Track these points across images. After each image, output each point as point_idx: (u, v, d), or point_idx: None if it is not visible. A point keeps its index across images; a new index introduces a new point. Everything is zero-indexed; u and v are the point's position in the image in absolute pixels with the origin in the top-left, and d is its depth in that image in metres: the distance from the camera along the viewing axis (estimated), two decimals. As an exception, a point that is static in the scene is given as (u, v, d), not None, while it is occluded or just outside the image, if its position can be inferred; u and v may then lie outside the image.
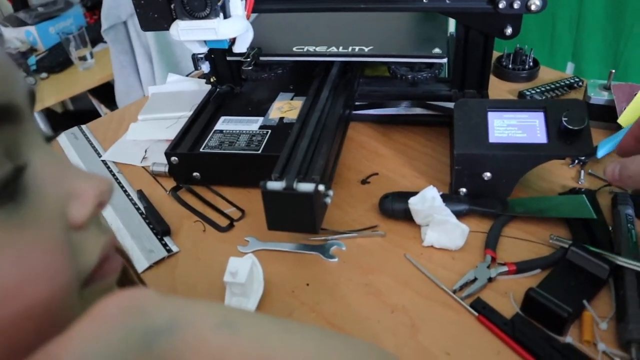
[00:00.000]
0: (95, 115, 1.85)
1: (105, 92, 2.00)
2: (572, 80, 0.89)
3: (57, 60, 1.99)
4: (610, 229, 0.62)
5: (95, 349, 0.24)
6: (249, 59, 0.75)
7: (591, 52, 1.56)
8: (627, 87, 0.79)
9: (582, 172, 0.70)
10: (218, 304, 0.30)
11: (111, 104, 1.94)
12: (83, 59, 1.97)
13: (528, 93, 0.87)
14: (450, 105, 0.76)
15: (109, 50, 1.72)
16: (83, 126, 0.96)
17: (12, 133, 0.26)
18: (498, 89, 0.90)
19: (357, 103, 0.81)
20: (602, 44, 1.53)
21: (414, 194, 0.64)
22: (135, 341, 0.25)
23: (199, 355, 0.26)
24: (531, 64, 0.92)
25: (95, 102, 2.11)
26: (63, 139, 0.92)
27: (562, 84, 0.89)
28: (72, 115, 2.54)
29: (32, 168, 0.27)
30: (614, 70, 0.79)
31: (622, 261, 0.55)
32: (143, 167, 0.82)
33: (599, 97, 0.79)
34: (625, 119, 0.74)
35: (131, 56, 1.68)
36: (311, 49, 0.75)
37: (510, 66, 0.92)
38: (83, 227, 0.28)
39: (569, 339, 0.51)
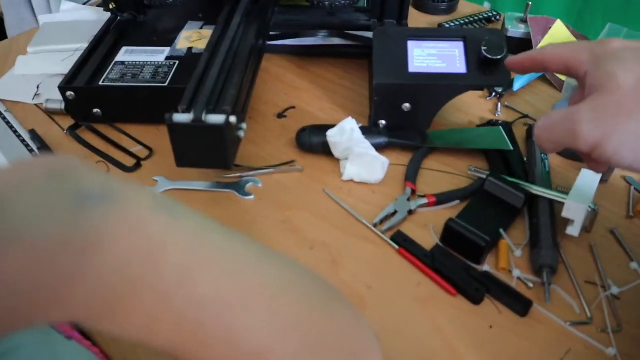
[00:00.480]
0: (-15, 52, 1.67)
1: (-5, 27, 1.80)
2: (490, 14, 0.89)
3: None
4: (526, 159, 0.62)
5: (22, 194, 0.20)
6: (151, -19, 0.68)
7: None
8: (543, 20, 0.79)
9: (499, 104, 0.70)
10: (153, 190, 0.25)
11: (2, 39, 1.75)
12: (-35, -12, 1.75)
13: (447, 25, 0.85)
14: (370, 35, 0.73)
15: (-6, -22, 1.53)
16: (-40, 60, 0.84)
17: None
18: (418, 21, 0.88)
19: (272, 33, 0.76)
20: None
21: (333, 127, 0.61)
22: (66, 198, 0.20)
23: (138, 235, 0.22)
24: (450, -4, 0.90)
25: (-16, 39, 1.90)
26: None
27: (481, 17, 0.88)
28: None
29: None
30: (530, 3, 0.79)
31: (536, 190, 0.56)
32: (35, 104, 0.74)
33: (516, 29, 0.79)
34: (540, 51, 0.74)
35: (21, -16, 1.50)
36: (221, -29, 0.69)
37: (430, -2, 0.90)
38: None
39: (486, 267, 0.51)
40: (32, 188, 0.20)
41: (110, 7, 0.77)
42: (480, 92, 0.72)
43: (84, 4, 0.96)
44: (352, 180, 0.60)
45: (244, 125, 0.55)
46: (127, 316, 0.23)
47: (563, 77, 0.73)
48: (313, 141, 0.61)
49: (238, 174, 0.61)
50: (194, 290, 0.24)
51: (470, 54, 0.62)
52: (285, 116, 0.69)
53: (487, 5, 1.57)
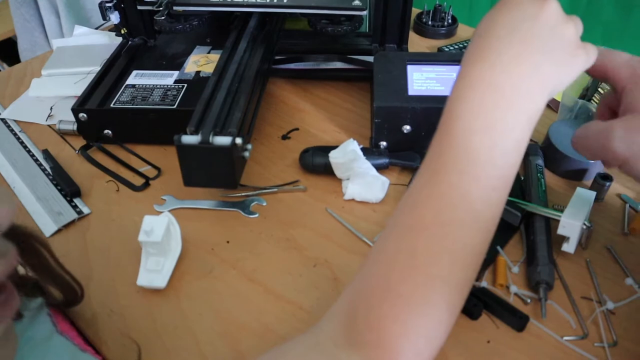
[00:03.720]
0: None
1: (8, 50, 1.84)
2: (488, 37, 0.91)
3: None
4: (522, 178, 0.64)
5: None
6: (161, 8, 0.71)
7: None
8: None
9: (497, 125, 0.72)
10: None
11: (15, 62, 1.79)
12: (-21, 12, 1.80)
13: (447, 49, 0.88)
14: (371, 59, 0.75)
15: (8, 3, 1.57)
16: (-22, 83, 0.88)
17: None
18: (417, 45, 0.91)
19: (276, 57, 0.79)
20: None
21: (335, 148, 0.63)
22: None
23: None
24: (450, 21, 0.93)
25: (-4, 61, 1.95)
26: (-45, 96, 0.84)
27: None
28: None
29: None
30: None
31: (532, 208, 0.57)
32: (49, 125, 0.76)
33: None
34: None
35: (34, 9, 1.54)
36: (228, -2, 0.72)
37: (429, 23, 0.92)
38: None
39: (484, 283, 0.53)
40: None
41: (122, 32, 0.80)
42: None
43: (96, 28, 1.00)
44: (353, 200, 0.62)
45: (249, 147, 0.57)
46: None
47: (558, 98, 0.75)
48: (316, 162, 0.63)
49: (243, 194, 0.63)
50: None
51: (468, 78, 0.64)
52: (289, 137, 0.71)
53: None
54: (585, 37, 0.41)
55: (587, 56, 0.41)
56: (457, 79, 0.39)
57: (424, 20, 0.93)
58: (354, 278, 0.40)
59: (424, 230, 0.37)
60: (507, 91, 0.36)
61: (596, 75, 0.44)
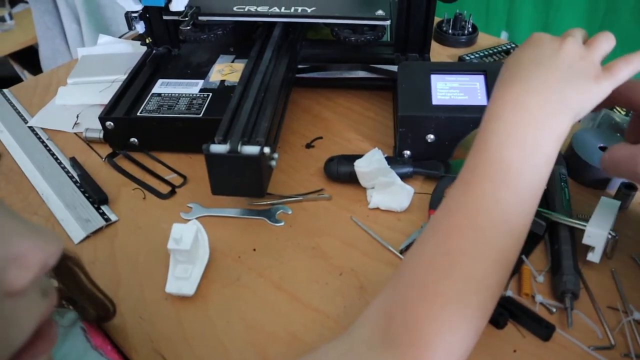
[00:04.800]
0: (18, 82, 1.74)
1: (29, 57, 1.87)
2: (509, 46, 0.92)
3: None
4: (546, 188, 0.64)
5: None
6: (186, 19, 0.72)
7: (523, 21, 1.60)
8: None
9: (519, 134, 0.72)
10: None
11: (36, 69, 1.82)
12: (1, 20, 1.83)
13: (467, 58, 0.88)
14: (394, 68, 0.76)
15: (30, 11, 1.60)
16: (5, 90, 0.89)
17: None
18: (438, 53, 0.91)
19: (300, 66, 0.80)
20: (533, 13, 1.57)
21: (359, 157, 0.64)
22: None
23: None
24: (470, 29, 0.93)
25: (17, 68, 1.98)
26: (-17, 105, 0.86)
27: (500, 49, 0.91)
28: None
29: None
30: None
31: (556, 217, 0.57)
32: (75, 133, 0.78)
33: (534, 61, 0.81)
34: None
35: (56, 17, 1.57)
36: (252, 8, 0.73)
37: (450, 31, 0.93)
38: (20, 294, 0.24)
39: (509, 292, 0.53)
40: None
41: (147, 41, 0.81)
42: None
43: (120, 37, 1.01)
44: (378, 208, 0.62)
45: (275, 156, 0.58)
46: None
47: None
48: (341, 170, 0.64)
49: (269, 202, 0.63)
50: None
51: (491, 87, 0.64)
52: (313, 146, 0.72)
53: (504, 36, 1.61)
54: None
55: (608, 81, 0.45)
56: (491, 101, 0.44)
57: (445, 28, 0.93)
58: (387, 284, 0.42)
59: (460, 234, 0.40)
60: (536, 112, 0.42)
61: (624, 105, 0.49)
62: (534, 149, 0.41)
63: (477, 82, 0.65)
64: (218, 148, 0.54)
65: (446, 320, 0.37)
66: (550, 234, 0.58)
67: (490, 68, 0.66)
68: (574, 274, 0.53)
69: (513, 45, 0.92)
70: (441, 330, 0.37)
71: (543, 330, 0.49)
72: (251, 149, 0.53)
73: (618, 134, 0.67)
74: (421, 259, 0.41)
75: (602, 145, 0.65)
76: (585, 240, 0.53)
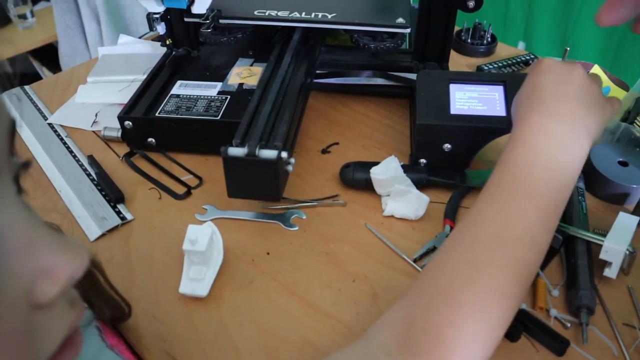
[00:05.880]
0: (37, 79, 1.76)
1: (48, 55, 1.90)
2: (527, 57, 0.91)
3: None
4: (563, 201, 0.64)
5: None
6: (208, 21, 0.72)
7: (541, 32, 1.60)
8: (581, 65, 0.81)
9: (537, 146, 0.72)
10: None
11: (54, 67, 1.84)
12: (23, 17, 1.86)
13: (486, 68, 0.88)
14: (412, 76, 0.76)
15: (51, 9, 1.62)
16: (27, 87, 0.90)
17: None
18: (457, 62, 0.91)
19: (318, 71, 0.80)
20: (552, 25, 1.57)
21: (375, 163, 0.64)
22: None
23: None
24: (489, 39, 0.93)
25: (36, 65, 2.00)
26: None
27: (518, 60, 0.90)
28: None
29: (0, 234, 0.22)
30: (568, 48, 0.81)
31: (573, 231, 0.57)
32: (93, 131, 0.78)
33: (553, 73, 0.81)
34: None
35: (77, 16, 1.59)
36: (273, 13, 0.73)
37: (469, 41, 0.93)
38: (49, 307, 0.24)
39: (523, 305, 0.52)
40: None
41: (167, 42, 0.82)
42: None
43: (140, 37, 1.02)
44: (392, 216, 0.62)
45: (292, 160, 0.58)
46: None
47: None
48: (356, 177, 0.64)
49: (283, 206, 0.64)
50: None
51: (510, 98, 0.64)
52: (329, 152, 0.72)
53: (521, 46, 1.60)
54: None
55: (613, 108, 0.52)
56: (517, 126, 0.49)
57: (463, 37, 0.93)
58: (407, 291, 0.43)
59: (485, 245, 0.41)
60: (562, 137, 0.46)
61: None
62: (559, 171, 0.44)
63: (496, 93, 0.65)
64: (236, 151, 0.54)
65: (468, 328, 0.38)
66: (566, 248, 0.58)
67: (509, 79, 0.65)
68: (589, 289, 0.52)
69: (532, 57, 0.91)
70: (462, 337, 0.38)
71: (558, 345, 0.49)
72: (269, 153, 0.53)
73: (638, 149, 0.66)
74: (445, 268, 0.42)
75: (621, 159, 0.65)
76: (603, 255, 0.53)
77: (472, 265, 0.41)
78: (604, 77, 0.80)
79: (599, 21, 0.48)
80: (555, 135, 0.46)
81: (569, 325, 0.51)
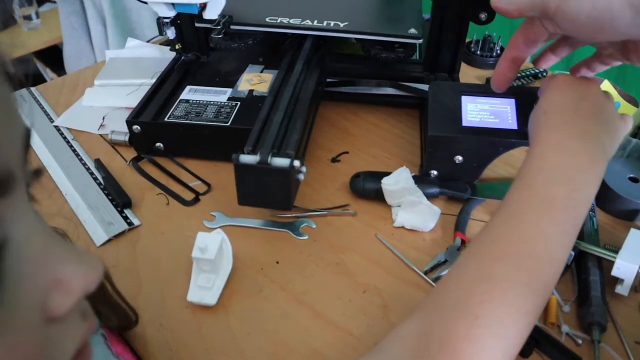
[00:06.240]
0: (41, 80, 1.75)
1: (52, 56, 1.89)
2: (537, 70, 0.91)
3: (-2, 17, 1.87)
4: (574, 215, 0.63)
5: None
6: (219, 27, 0.72)
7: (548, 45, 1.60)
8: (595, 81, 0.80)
9: (546, 159, 0.71)
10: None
11: (59, 68, 1.83)
12: (28, 18, 1.85)
13: (495, 80, 0.87)
14: (422, 87, 0.76)
15: (57, 11, 1.62)
16: (32, 88, 0.90)
17: None
18: (466, 74, 0.91)
19: (328, 80, 0.79)
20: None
21: (385, 174, 0.63)
22: None
23: None
24: (498, 51, 0.93)
25: (40, 66, 2.00)
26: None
27: (528, 73, 0.90)
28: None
29: (15, 246, 0.21)
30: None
31: (584, 247, 0.57)
32: (100, 135, 0.78)
33: (563, 87, 0.80)
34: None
35: (83, 18, 1.58)
36: (285, 20, 0.73)
37: (478, 53, 0.93)
38: (62, 319, 0.23)
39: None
40: None
41: (177, 47, 0.81)
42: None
43: (148, 41, 1.02)
44: (403, 227, 0.61)
45: (304, 169, 0.57)
46: None
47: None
48: (367, 187, 0.63)
49: (293, 215, 0.63)
50: None
51: (522, 111, 0.64)
52: (338, 160, 0.72)
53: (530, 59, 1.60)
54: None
55: (626, 125, 0.52)
56: (535, 144, 0.48)
57: (473, 49, 0.93)
58: (422, 303, 0.42)
59: (504, 260, 0.41)
60: (579, 155, 0.46)
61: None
62: (577, 189, 0.44)
63: (508, 106, 0.65)
64: (248, 158, 0.53)
65: (485, 343, 0.37)
66: (577, 263, 0.58)
67: (521, 92, 0.65)
68: (601, 306, 0.52)
69: (541, 70, 0.91)
70: (478, 352, 0.37)
71: (569, 361, 0.48)
72: (281, 161, 0.53)
73: (649, 165, 0.66)
74: (462, 282, 0.42)
75: (631, 175, 0.65)
76: (615, 272, 0.53)
77: (490, 279, 0.40)
78: (613, 92, 0.80)
79: (495, 89, 0.58)
80: (573, 153, 0.46)
81: (580, 341, 0.51)
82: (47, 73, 1.98)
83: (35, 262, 0.22)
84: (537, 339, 0.50)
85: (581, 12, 0.43)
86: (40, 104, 0.86)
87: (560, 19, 0.45)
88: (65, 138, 0.78)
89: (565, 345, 0.50)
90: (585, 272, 0.55)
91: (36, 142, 0.77)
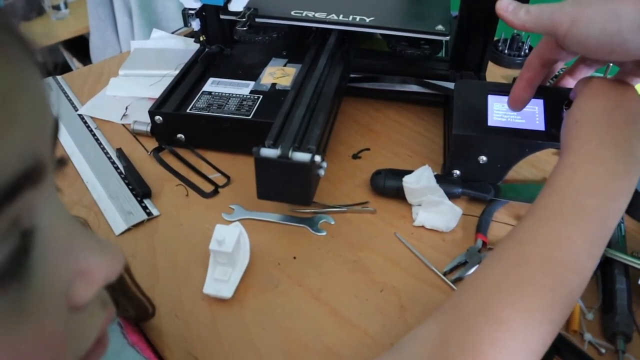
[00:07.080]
0: (67, 69, 1.77)
1: (79, 46, 1.91)
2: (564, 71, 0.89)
3: (29, 6, 1.89)
4: (600, 221, 0.61)
5: None
6: (244, 19, 0.72)
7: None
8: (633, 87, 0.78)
9: (573, 163, 0.70)
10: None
11: (84, 58, 1.86)
12: (56, 8, 1.88)
13: (522, 80, 0.86)
14: (447, 84, 0.75)
15: (85, 2, 1.64)
16: (58, 77, 0.91)
17: (29, 199, 0.20)
18: (492, 73, 0.89)
19: (352, 75, 0.78)
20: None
21: (407, 172, 0.62)
22: None
23: None
24: (527, 50, 0.91)
25: (67, 56, 2.02)
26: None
27: (557, 73, 0.88)
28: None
29: (43, 235, 0.21)
30: (611, 64, 0.79)
31: (611, 254, 0.55)
32: (123, 124, 0.78)
33: (593, 89, 0.78)
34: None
35: (110, 9, 1.60)
36: (310, 14, 0.72)
37: (506, 52, 0.91)
38: (83, 308, 0.24)
39: (557, 328, 0.50)
40: None
41: (201, 39, 0.81)
42: (555, 150, 0.72)
43: (173, 33, 1.02)
44: (423, 226, 0.60)
45: (325, 164, 0.57)
46: None
47: None
48: (387, 185, 0.63)
49: (312, 210, 0.62)
50: None
51: (550, 112, 0.62)
52: (359, 157, 0.71)
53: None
54: None
55: None
56: (566, 152, 0.47)
57: (500, 48, 0.91)
58: (443, 305, 0.42)
59: (530, 265, 0.40)
60: (611, 165, 0.44)
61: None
62: (608, 199, 0.43)
63: (535, 107, 0.63)
64: (268, 152, 0.53)
65: (508, 347, 0.37)
66: (602, 270, 0.56)
67: (550, 93, 0.64)
68: (627, 315, 0.50)
69: (570, 71, 0.89)
70: (501, 357, 0.36)
71: (592, 371, 0.47)
72: (302, 156, 0.52)
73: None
74: (486, 284, 0.41)
75: (662, 181, 0.62)
76: (642, 280, 0.51)
77: (515, 284, 0.39)
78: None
79: (511, 110, 0.59)
80: (606, 164, 0.44)
81: (603, 351, 0.49)
82: (74, 63, 2.00)
83: (60, 252, 0.22)
84: (558, 347, 0.49)
85: (591, 36, 0.43)
86: (65, 93, 0.86)
87: (570, 42, 0.46)
88: (88, 127, 0.78)
89: (587, 354, 0.48)
90: (611, 279, 0.54)
91: (61, 131, 0.77)
